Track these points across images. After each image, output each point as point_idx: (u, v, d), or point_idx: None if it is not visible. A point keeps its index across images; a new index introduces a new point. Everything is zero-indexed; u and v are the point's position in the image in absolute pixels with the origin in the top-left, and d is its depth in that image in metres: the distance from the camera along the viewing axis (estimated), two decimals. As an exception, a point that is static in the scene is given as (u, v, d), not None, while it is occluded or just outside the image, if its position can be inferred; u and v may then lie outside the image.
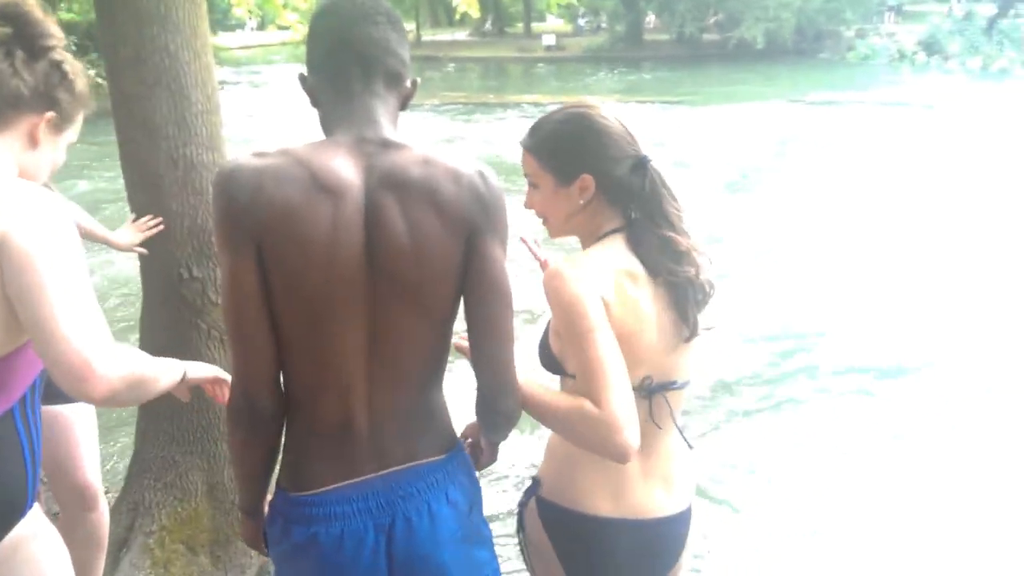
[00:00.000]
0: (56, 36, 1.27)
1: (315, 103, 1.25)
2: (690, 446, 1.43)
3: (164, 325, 2.23)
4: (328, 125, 1.23)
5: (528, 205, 1.45)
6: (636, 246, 1.34)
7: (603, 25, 35.53)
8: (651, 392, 1.33)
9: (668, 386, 1.36)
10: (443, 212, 1.16)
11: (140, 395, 1.23)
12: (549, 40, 31.84)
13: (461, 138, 12.67)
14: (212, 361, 2.19)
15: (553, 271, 1.29)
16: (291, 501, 1.23)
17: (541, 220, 1.46)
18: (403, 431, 1.24)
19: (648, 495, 1.38)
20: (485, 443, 1.50)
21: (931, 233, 7.15)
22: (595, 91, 19.38)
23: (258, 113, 14.76)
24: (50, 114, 1.27)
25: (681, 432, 1.42)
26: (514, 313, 1.26)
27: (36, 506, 1.29)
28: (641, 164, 1.35)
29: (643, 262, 1.33)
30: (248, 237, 1.12)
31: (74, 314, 1.11)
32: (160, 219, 2.17)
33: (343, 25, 1.20)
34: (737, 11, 27.59)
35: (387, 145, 1.18)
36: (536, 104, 15.92)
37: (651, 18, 34.29)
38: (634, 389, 1.26)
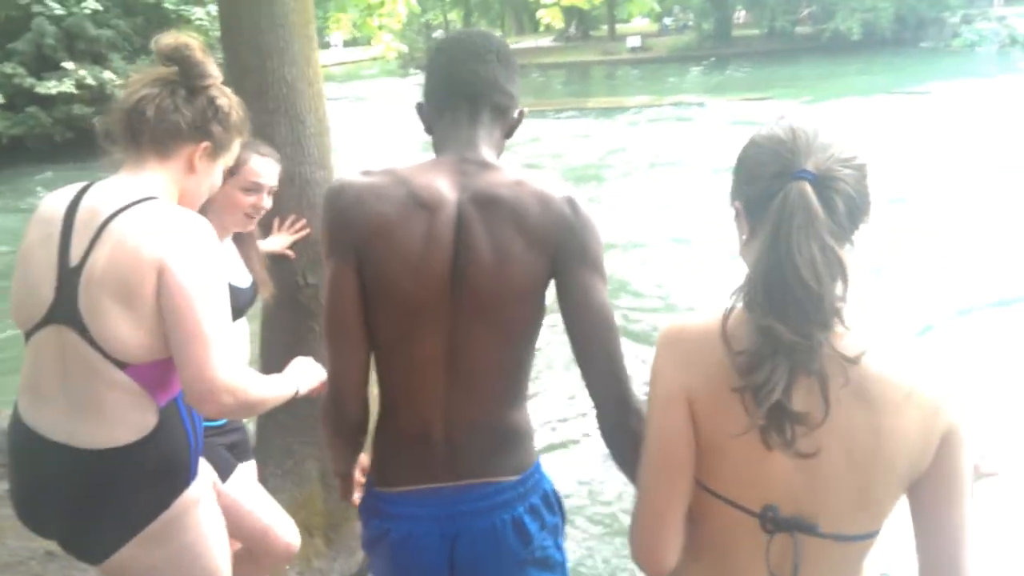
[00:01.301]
0: (214, 76, 1.48)
1: (428, 130, 1.36)
2: None
3: (283, 327, 2.47)
4: (437, 149, 1.33)
5: None
6: (750, 305, 0.96)
7: (690, 24, 35.00)
8: (775, 527, 1.00)
9: (803, 527, 0.99)
10: (527, 233, 1.20)
11: (250, 413, 1.45)
12: (634, 42, 31.57)
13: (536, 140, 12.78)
14: (324, 359, 2.42)
15: (664, 333, 1.08)
16: (373, 495, 1.35)
17: None
18: (478, 445, 1.28)
19: None
20: None
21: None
22: (681, 91, 19.14)
23: (361, 126, 15.39)
24: (205, 144, 1.48)
25: None
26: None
27: (200, 478, 1.50)
28: (780, 180, 0.96)
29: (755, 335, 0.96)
30: (350, 247, 1.22)
31: (209, 337, 1.32)
32: (304, 220, 2.39)
33: (455, 63, 1.30)
34: (831, 2, 26.69)
35: (483, 166, 1.26)
36: (617, 108, 15.93)
37: (740, 13, 33.54)
38: (747, 512, 1.01)
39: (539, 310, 1.26)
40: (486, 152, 1.28)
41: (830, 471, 0.96)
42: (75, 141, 13.79)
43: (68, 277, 1.36)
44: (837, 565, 1.02)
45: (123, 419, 1.39)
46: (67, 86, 13.64)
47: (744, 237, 1.05)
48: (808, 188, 0.92)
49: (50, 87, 13.60)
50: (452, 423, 1.28)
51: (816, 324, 0.92)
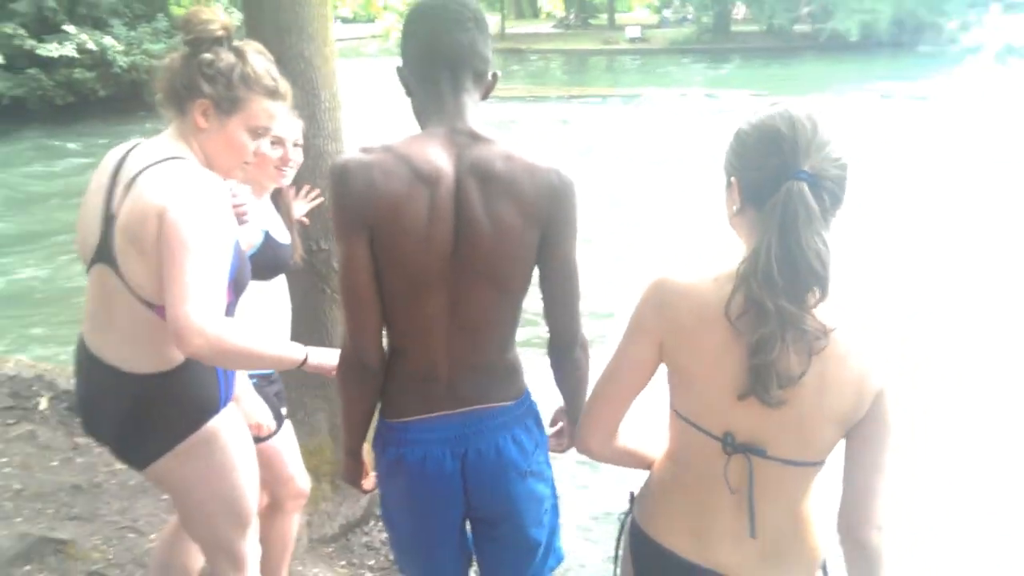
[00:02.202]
0: (213, 34, 1.56)
1: (409, 93, 1.44)
2: (752, 534, 1.22)
3: (297, 290, 2.63)
4: (421, 115, 1.42)
5: None
6: (745, 280, 1.12)
7: (689, 17, 35.06)
8: (732, 450, 1.20)
9: (755, 451, 1.19)
10: (520, 203, 1.33)
11: (235, 363, 1.52)
12: (633, 32, 31.59)
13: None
14: (332, 320, 2.60)
15: (654, 283, 1.25)
16: (386, 426, 1.50)
17: None
18: (477, 379, 1.45)
19: (734, 551, 1.25)
20: (568, 427, 1.61)
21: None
22: (678, 83, 19.29)
23: (369, 101, 15.38)
24: (201, 101, 1.56)
25: (751, 509, 1.21)
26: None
27: (228, 412, 1.68)
28: (778, 178, 1.10)
29: (746, 305, 1.12)
30: (363, 225, 1.32)
31: (190, 281, 1.42)
32: (318, 190, 2.50)
33: (435, 30, 1.35)
34: (830, 2, 26.80)
35: (475, 138, 1.35)
36: (609, 96, 16.02)
37: (740, 9, 33.59)
38: (713, 437, 1.21)
39: (530, 269, 1.42)
40: (472, 121, 1.38)
41: (781, 411, 1.15)
42: (76, 105, 13.82)
43: (108, 224, 1.53)
44: (786, 483, 1.22)
45: (158, 351, 1.57)
46: (68, 50, 13.66)
47: (735, 208, 1.20)
48: (807, 189, 1.08)
49: (51, 50, 13.60)
50: (454, 365, 1.44)
51: (810, 300, 1.10)
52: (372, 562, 2.64)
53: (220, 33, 1.58)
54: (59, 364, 4.65)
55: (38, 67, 13.82)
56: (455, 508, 1.49)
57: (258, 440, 1.90)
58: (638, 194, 8.94)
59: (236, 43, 1.61)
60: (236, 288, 1.61)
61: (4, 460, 3.24)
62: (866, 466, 1.18)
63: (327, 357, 1.64)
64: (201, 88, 1.56)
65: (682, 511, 1.29)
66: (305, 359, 1.61)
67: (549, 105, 15.70)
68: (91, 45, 13.83)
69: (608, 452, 1.36)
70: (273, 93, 1.63)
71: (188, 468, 1.65)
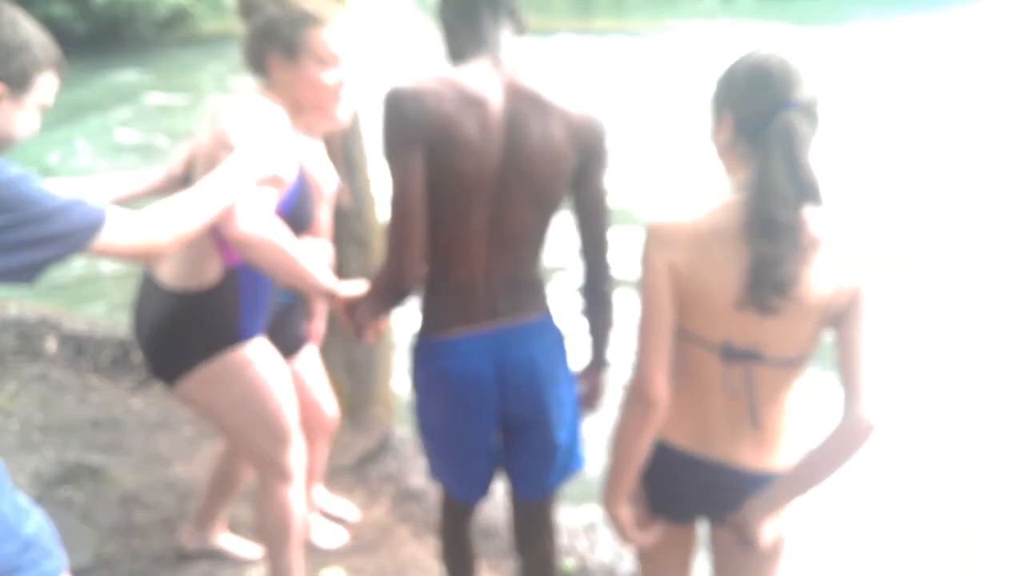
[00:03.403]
0: None
1: (448, 30, 1.55)
2: (754, 426, 1.39)
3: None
4: (460, 51, 1.52)
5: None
6: (745, 205, 1.28)
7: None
8: (731, 357, 1.36)
9: (753, 355, 1.35)
10: (565, 125, 1.48)
11: (272, 255, 1.52)
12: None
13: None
14: (349, 258, 2.67)
15: (650, 227, 1.36)
16: (430, 340, 1.60)
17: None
18: (511, 295, 1.58)
19: (732, 442, 1.40)
20: (594, 379, 1.77)
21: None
22: (689, 15, 18.39)
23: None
24: (271, 51, 1.71)
25: (752, 406, 1.38)
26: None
27: (255, 343, 1.79)
28: (773, 110, 1.26)
29: (744, 226, 1.28)
30: (418, 145, 1.42)
31: (239, 182, 1.47)
32: None
33: None
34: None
35: (517, 67, 1.49)
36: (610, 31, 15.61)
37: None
38: (712, 349, 1.36)
39: (566, 188, 1.55)
40: (511, 54, 1.52)
41: (772, 316, 1.31)
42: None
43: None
44: (778, 381, 1.39)
45: (193, 268, 1.69)
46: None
47: (726, 140, 1.35)
48: (800, 117, 1.26)
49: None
50: (492, 280, 1.56)
51: (805, 214, 1.27)
52: (390, 489, 2.76)
53: None
54: (62, 306, 4.70)
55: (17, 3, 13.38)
56: (491, 415, 1.62)
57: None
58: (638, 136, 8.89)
59: None
60: (293, 225, 1.69)
61: (23, 399, 3.32)
62: (851, 355, 1.32)
63: (355, 289, 1.67)
64: (264, 46, 1.69)
65: (683, 412, 1.42)
66: (335, 291, 1.65)
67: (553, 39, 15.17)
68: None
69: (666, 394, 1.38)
70: (323, 22, 1.69)
71: (216, 393, 1.78)
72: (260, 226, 1.49)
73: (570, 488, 1.90)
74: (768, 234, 1.25)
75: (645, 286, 1.37)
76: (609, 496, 1.47)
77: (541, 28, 16.38)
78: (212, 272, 1.70)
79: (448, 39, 1.56)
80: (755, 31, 15.02)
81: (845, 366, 1.32)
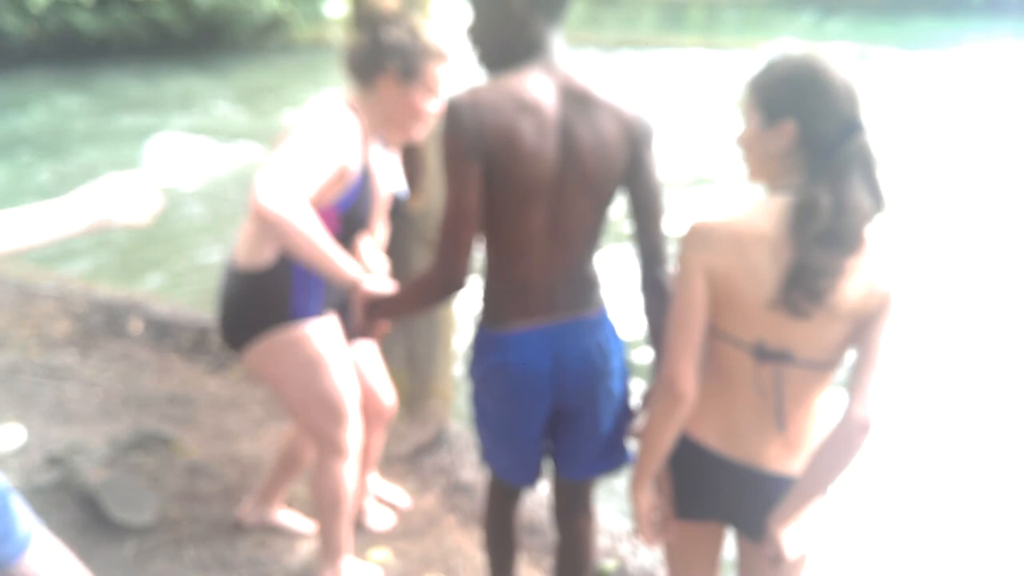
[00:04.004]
0: (377, 16, 1.79)
1: (497, 38, 1.57)
2: (780, 428, 1.41)
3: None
4: (510, 57, 1.55)
5: (737, 140, 1.44)
6: (795, 214, 1.29)
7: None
8: (763, 357, 1.38)
9: (784, 356, 1.36)
10: (618, 122, 1.53)
11: (291, 236, 1.53)
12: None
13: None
14: (411, 254, 2.76)
15: (690, 228, 1.38)
16: (489, 334, 1.66)
17: (743, 157, 1.45)
18: (569, 291, 1.63)
19: (760, 445, 1.42)
20: None
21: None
22: (779, 33, 18.08)
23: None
24: (388, 73, 1.80)
25: (780, 408, 1.40)
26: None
27: (313, 323, 1.89)
28: (850, 129, 1.29)
29: (795, 232, 1.29)
30: (476, 155, 1.47)
31: (280, 163, 1.56)
32: None
33: None
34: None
35: (568, 70, 1.54)
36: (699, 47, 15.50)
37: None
38: (745, 348, 1.38)
39: (620, 185, 1.60)
40: (563, 58, 1.56)
41: (805, 319, 1.33)
42: (157, 46, 14.20)
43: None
44: (808, 384, 1.40)
45: (255, 251, 1.83)
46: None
47: (782, 147, 1.34)
48: (868, 137, 1.31)
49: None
50: (551, 275, 1.61)
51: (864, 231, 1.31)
52: (441, 480, 2.83)
53: (391, 11, 1.79)
54: (150, 291, 4.98)
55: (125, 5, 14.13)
56: (544, 404, 1.67)
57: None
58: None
59: (406, 19, 1.79)
60: (347, 221, 1.80)
61: (107, 373, 3.56)
62: (866, 356, 1.34)
63: (380, 286, 1.69)
64: (383, 62, 1.78)
65: (713, 411, 1.44)
66: (358, 282, 1.67)
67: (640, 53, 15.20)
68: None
69: (694, 389, 1.41)
70: (443, 59, 1.82)
71: (275, 366, 1.91)
72: (279, 203, 1.50)
73: (619, 497, 1.90)
74: (829, 245, 1.27)
75: (681, 285, 1.40)
76: (635, 481, 1.52)
77: (628, 41, 16.42)
78: (268, 255, 1.83)
79: (495, 46, 1.59)
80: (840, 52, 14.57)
81: (857, 366, 1.34)
